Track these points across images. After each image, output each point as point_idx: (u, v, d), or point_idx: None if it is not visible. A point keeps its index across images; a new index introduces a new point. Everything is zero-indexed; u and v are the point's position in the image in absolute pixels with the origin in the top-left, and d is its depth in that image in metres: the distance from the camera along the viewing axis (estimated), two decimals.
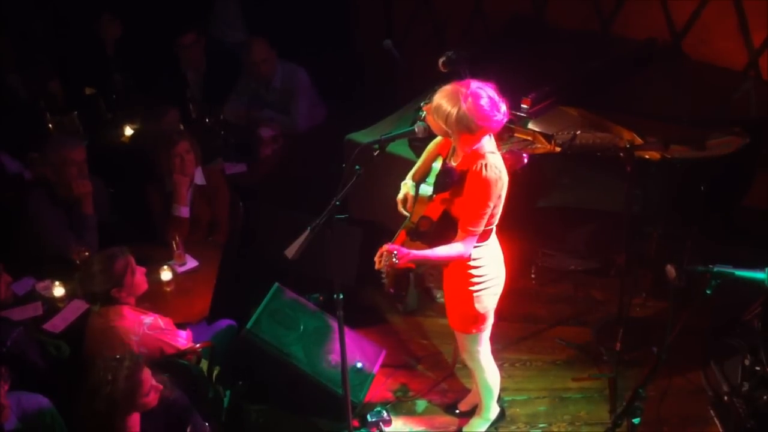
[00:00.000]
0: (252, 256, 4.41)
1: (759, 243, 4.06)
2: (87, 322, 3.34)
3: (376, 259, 2.75)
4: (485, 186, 2.75)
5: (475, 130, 2.68)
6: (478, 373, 3.44)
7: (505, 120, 2.73)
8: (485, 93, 2.67)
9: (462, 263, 2.96)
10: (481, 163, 2.74)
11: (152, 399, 2.85)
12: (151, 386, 2.83)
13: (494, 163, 2.77)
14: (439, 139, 3.08)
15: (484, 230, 2.90)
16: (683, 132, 3.81)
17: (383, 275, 2.80)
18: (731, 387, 3.58)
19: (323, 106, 5.42)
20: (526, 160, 3.74)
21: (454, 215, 2.89)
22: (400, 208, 3.10)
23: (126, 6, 5.54)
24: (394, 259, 2.67)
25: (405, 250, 2.73)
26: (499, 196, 2.83)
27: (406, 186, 3.09)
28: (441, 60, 3.69)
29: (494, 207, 2.84)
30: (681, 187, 3.82)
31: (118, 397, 2.72)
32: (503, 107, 2.71)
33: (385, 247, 2.73)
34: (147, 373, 2.82)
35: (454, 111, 2.64)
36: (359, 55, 6.35)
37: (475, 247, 2.93)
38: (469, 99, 2.64)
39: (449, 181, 2.82)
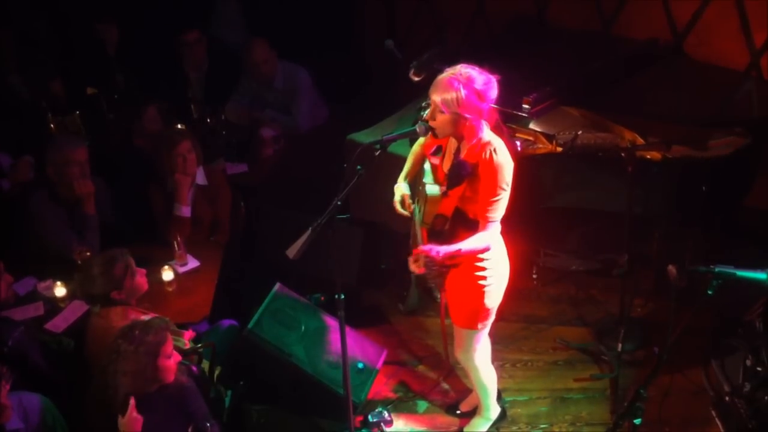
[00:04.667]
0: (253, 256, 4.41)
1: (761, 243, 4.06)
2: (87, 322, 3.34)
3: (411, 264, 2.78)
4: (498, 170, 2.79)
5: (483, 98, 2.75)
6: (474, 372, 3.45)
7: (497, 79, 2.80)
8: (468, 68, 2.77)
9: (472, 258, 2.98)
10: (489, 150, 2.80)
11: (171, 366, 2.90)
12: (173, 351, 2.89)
13: (500, 146, 2.82)
14: (421, 140, 3.16)
15: None
16: (685, 132, 3.80)
17: (429, 279, 2.84)
18: (733, 387, 3.58)
19: (324, 106, 5.42)
20: (519, 148, 3.76)
21: (466, 210, 2.91)
22: (399, 209, 3.15)
23: (127, 6, 5.55)
24: (434, 253, 2.72)
25: (438, 248, 2.77)
26: (511, 180, 2.87)
27: (400, 188, 3.18)
28: (410, 74, 3.72)
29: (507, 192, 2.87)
30: (682, 187, 3.81)
31: (143, 351, 2.78)
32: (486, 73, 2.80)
33: (419, 249, 2.77)
34: (170, 336, 2.91)
35: (461, 93, 2.70)
36: (361, 56, 6.36)
37: None
38: (462, 78, 2.73)
39: (464, 174, 2.86)
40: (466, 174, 2.85)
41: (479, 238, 2.87)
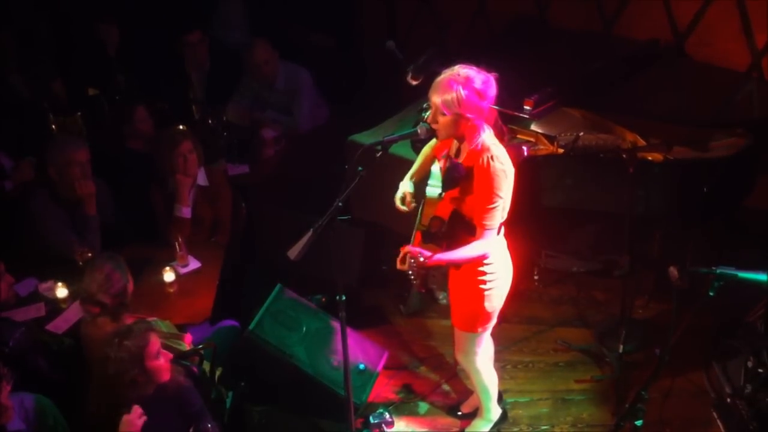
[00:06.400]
0: (254, 257, 4.41)
1: (762, 244, 4.05)
2: (79, 331, 3.32)
3: (398, 261, 2.82)
4: (493, 178, 2.77)
5: (484, 97, 2.75)
6: (474, 375, 3.45)
7: (495, 77, 2.80)
8: (466, 67, 2.77)
9: (474, 262, 2.97)
10: (486, 157, 2.78)
11: (162, 365, 2.88)
12: (159, 351, 2.88)
13: (499, 155, 2.81)
14: (433, 141, 3.13)
15: None
16: (686, 133, 3.80)
17: (412, 276, 2.84)
18: (734, 389, 3.58)
19: (326, 107, 5.42)
20: (526, 153, 3.75)
21: (464, 213, 2.91)
22: (399, 206, 3.16)
23: (128, 6, 5.55)
24: (421, 259, 2.73)
25: (428, 253, 2.78)
26: (509, 189, 2.85)
27: (404, 186, 3.17)
28: (408, 77, 3.72)
29: (505, 200, 2.86)
30: (684, 188, 3.81)
31: (125, 357, 2.78)
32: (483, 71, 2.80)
33: (407, 248, 2.80)
34: (155, 337, 2.89)
35: (460, 93, 2.70)
36: (361, 56, 6.35)
37: None
38: (461, 78, 2.72)
39: (457, 177, 2.86)
40: (459, 177, 2.85)
41: (474, 246, 2.87)
